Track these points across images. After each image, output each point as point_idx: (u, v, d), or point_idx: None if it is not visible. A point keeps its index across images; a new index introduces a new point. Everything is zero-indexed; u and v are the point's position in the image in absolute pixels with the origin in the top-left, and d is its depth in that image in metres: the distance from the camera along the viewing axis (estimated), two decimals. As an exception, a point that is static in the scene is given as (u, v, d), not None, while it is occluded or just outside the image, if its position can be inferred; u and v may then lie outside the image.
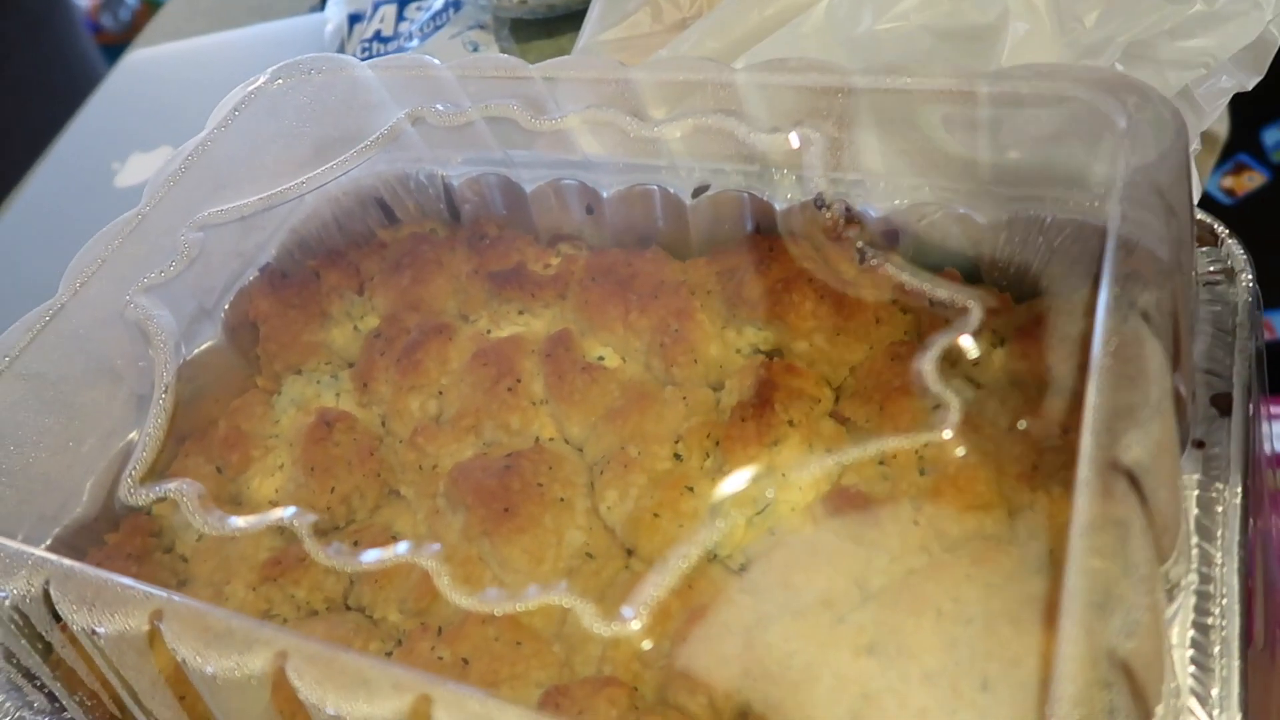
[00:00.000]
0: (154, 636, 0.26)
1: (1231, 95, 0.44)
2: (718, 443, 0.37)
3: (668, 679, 0.30)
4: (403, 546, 0.29)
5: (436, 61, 0.43)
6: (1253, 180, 1.03)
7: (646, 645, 0.28)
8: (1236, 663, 0.26)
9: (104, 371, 0.39)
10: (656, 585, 0.27)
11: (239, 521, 0.31)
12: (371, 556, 0.29)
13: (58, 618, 0.28)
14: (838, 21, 0.48)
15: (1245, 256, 0.34)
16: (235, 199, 0.43)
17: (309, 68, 0.44)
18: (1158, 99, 0.30)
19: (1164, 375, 0.24)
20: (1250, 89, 0.44)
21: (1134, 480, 0.22)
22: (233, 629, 0.24)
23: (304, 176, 0.43)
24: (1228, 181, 1.03)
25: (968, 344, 0.33)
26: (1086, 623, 0.20)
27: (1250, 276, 0.34)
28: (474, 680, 0.32)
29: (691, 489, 0.36)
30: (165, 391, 0.35)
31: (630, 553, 0.36)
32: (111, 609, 0.26)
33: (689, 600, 0.29)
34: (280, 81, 0.44)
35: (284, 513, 0.32)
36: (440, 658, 0.33)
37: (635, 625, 0.24)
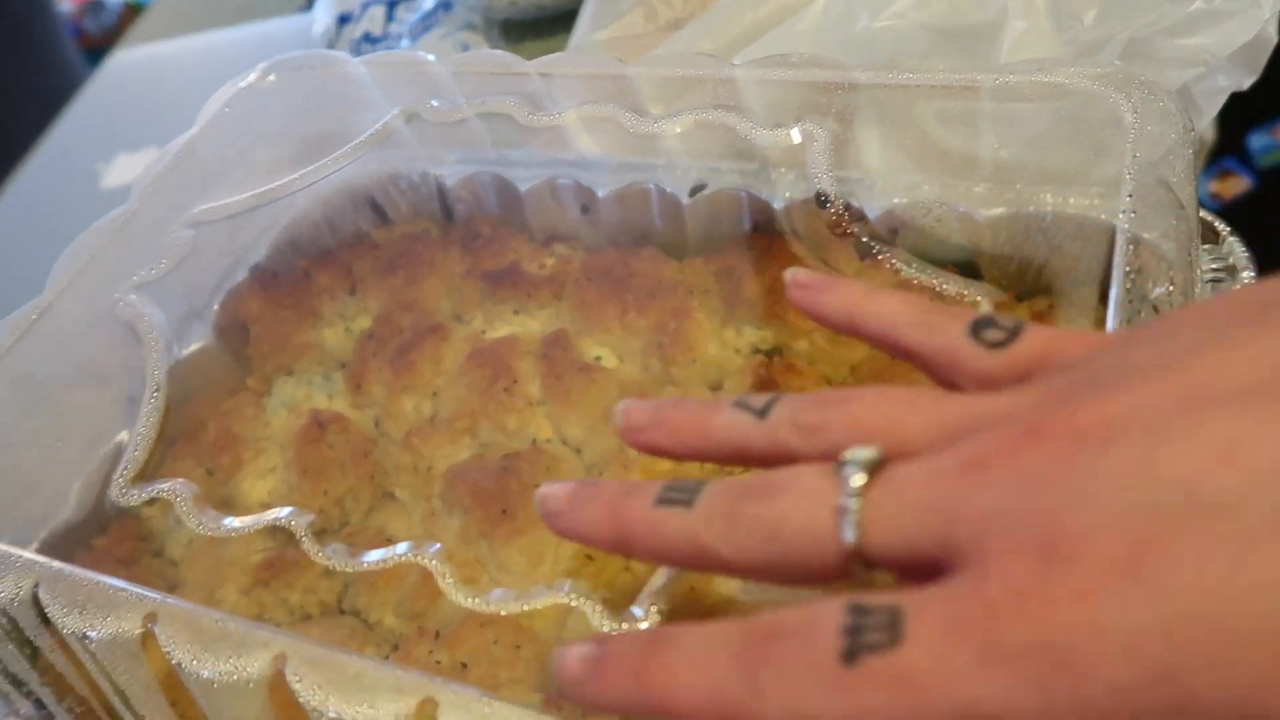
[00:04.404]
0: (147, 640, 0.25)
1: (1228, 95, 0.44)
2: (717, 443, 0.37)
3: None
4: (403, 547, 0.29)
5: (431, 58, 0.43)
6: (1239, 185, 1.04)
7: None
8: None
9: (92, 372, 0.38)
10: (671, 579, 0.26)
11: (234, 522, 0.30)
12: (374, 556, 0.28)
13: (46, 621, 0.27)
14: (834, 20, 0.48)
15: (1247, 254, 0.34)
16: (225, 196, 0.42)
17: (300, 64, 0.43)
18: (1163, 93, 0.29)
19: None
20: (1246, 89, 0.44)
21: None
22: (229, 631, 0.23)
23: (295, 174, 0.42)
24: (1214, 186, 1.03)
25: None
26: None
27: (1252, 275, 0.34)
28: (472, 684, 0.32)
29: (692, 489, 0.36)
30: (157, 391, 0.34)
31: (630, 554, 0.35)
32: (104, 612, 0.25)
33: (694, 599, 0.28)
34: (272, 78, 0.44)
35: (281, 513, 0.31)
36: (438, 661, 0.32)
37: (645, 625, 0.24)
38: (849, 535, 0.19)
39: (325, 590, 0.36)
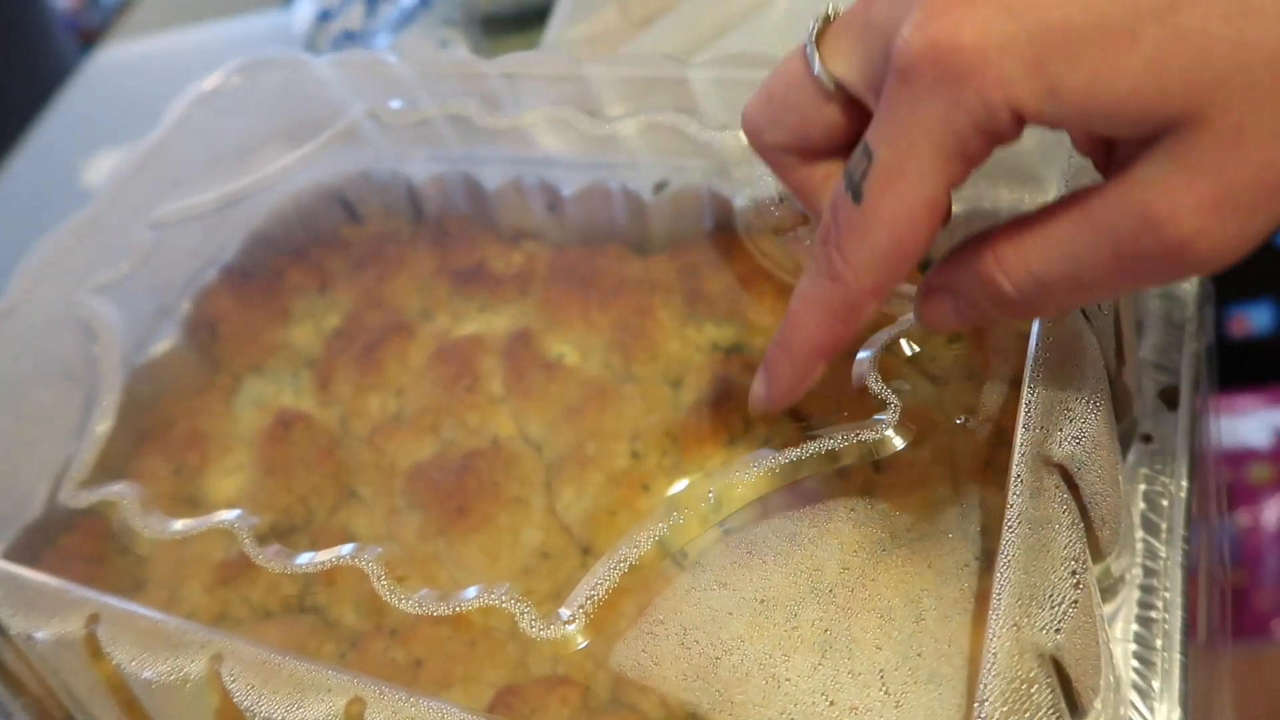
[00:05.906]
0: (93, 640, 0.26)
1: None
2: (675, 440, 0.37)
3: (620, 679, 0.30)
4: (346, 549, 0.29)
5: (394, 58, 0.43)
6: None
7: (581, 644, 0.27)
8: (1178, 656, 0.26)
9: (57, 373, 0.38)
10: (596, 586, 0.27)
11: (178, 525, 0.31)
12: (305, 559, 0.29)
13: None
14: (800, 16, 0.48)
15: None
16: (192, 196, 0.42)
17: (265, 64, 0.44)
18: (1104, 93, 0.29)
19: (1100, 369, 0.24)
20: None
21: (1067, 475, 0.22)
22: (168, 632, 0.24)
23: (261, 173, 0.42)
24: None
25: (915, 339, 0.33)
26: (1012, 619, 0.20)
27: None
28: (426, 681, 0.32)
29: (648, 487, 0.36)
30: (111, 392, 0.35)
31: (586, 551, 0.36)
32: (48, 613, 0.26)
33: (633, 600, 0.29)
34: (237, 78, 0.44)
35: (228, 515, 0.31)
36: (393, 659, 0.33)
37: (571, 627, 0.24)
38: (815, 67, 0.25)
39: (287, 587, 0.36)
